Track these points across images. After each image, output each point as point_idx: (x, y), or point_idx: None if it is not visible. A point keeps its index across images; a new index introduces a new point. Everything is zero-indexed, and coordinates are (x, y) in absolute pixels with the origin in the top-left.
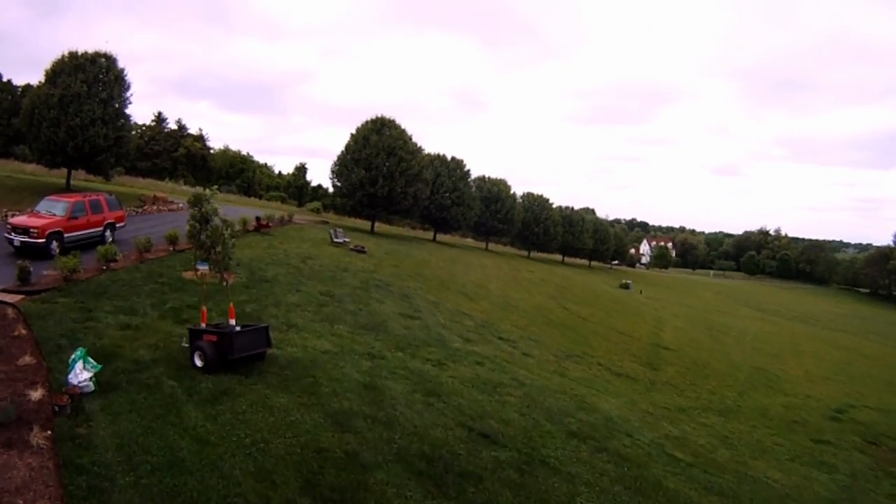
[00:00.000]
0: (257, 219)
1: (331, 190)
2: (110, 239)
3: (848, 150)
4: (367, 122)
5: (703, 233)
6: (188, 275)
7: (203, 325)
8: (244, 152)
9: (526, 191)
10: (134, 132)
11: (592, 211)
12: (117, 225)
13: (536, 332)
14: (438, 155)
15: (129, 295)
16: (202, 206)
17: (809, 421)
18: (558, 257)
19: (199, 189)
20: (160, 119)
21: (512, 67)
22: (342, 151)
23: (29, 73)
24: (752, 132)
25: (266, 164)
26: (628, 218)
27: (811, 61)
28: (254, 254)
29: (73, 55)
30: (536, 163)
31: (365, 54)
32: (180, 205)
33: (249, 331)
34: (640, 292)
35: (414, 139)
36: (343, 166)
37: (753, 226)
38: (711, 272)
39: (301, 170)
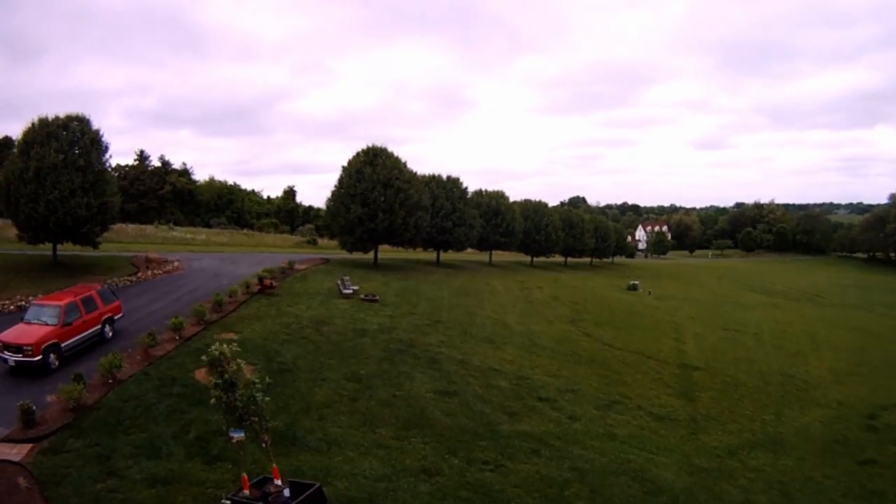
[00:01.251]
0: (260, 280)
1: (322, 209)
2: (110, 334)
3: (827, 112)
4: (358, 153)
5: (694, 209)
6: (201, 375)
7: (246, 493)
8: (230, 182)
9: (524, 197)
10: (116, 173)
11: (584, 200)
12: (115, 317)
13: (570, 379)
14: (434, 176)
15: (147, 422)
16: (224, 371)
17: (849, 437)
18: (560, 259)
19: (187, 233)
20: (143, 157)
21: (490, 64)
22: (336, 186)
23: (9, 121)
24: (731, 105)
25: (254, 190)
26: (619, 202)
27: (783, 28)
28: (264, 328)
29: (43, 122)
30: (525, 156)
31: (339, 66)
32: (175, 263)
33: (303, 499)
34: (649, 293)
35: (408, 164)
36: (340, 203)
37: (743, 196)
38: (710, 253)
39: (290, 193)
